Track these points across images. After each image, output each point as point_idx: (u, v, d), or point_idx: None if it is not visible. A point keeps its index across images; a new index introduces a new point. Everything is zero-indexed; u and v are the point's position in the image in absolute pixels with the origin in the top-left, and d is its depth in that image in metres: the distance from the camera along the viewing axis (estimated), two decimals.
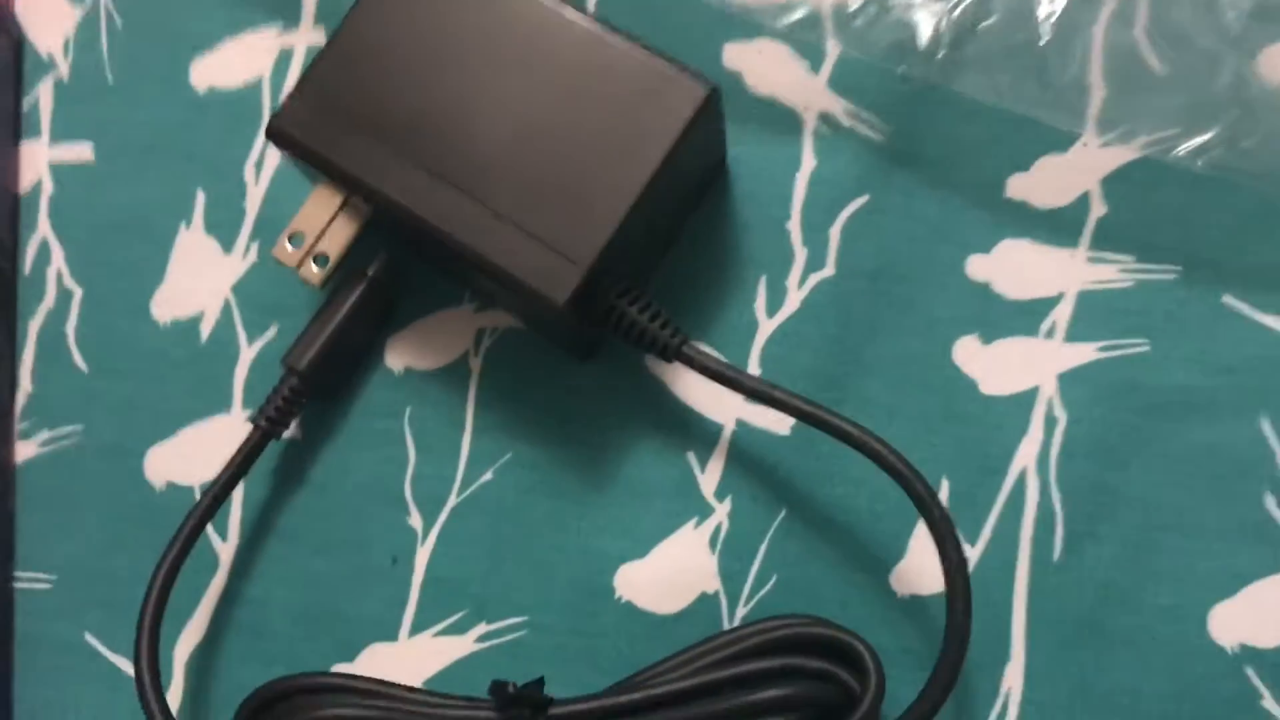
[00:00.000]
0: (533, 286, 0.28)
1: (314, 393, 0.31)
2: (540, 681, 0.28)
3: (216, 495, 0.30)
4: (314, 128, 0.29)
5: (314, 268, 0.31)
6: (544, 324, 0.31)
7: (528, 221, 0.28)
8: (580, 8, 0.29)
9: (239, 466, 0.31)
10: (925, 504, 0.27)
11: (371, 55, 0.29)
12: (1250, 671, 0.29)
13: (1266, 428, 0.30)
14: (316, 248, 0.30)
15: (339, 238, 0.31)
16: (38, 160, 0.35)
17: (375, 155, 0.29)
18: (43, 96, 0.35)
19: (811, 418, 0.28)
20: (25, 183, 0.35)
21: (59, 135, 0.35)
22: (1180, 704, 0.29)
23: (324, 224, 0.30)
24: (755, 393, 0.28)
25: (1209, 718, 0.29)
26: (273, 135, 0.29)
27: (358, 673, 0.30)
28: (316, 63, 0.30)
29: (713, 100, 0.28)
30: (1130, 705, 0.29)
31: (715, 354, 0.31)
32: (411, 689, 0.29)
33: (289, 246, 0.30)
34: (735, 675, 0.28)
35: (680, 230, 0.32)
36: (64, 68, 0.36)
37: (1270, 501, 0.29)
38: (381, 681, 0.29)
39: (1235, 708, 0.29)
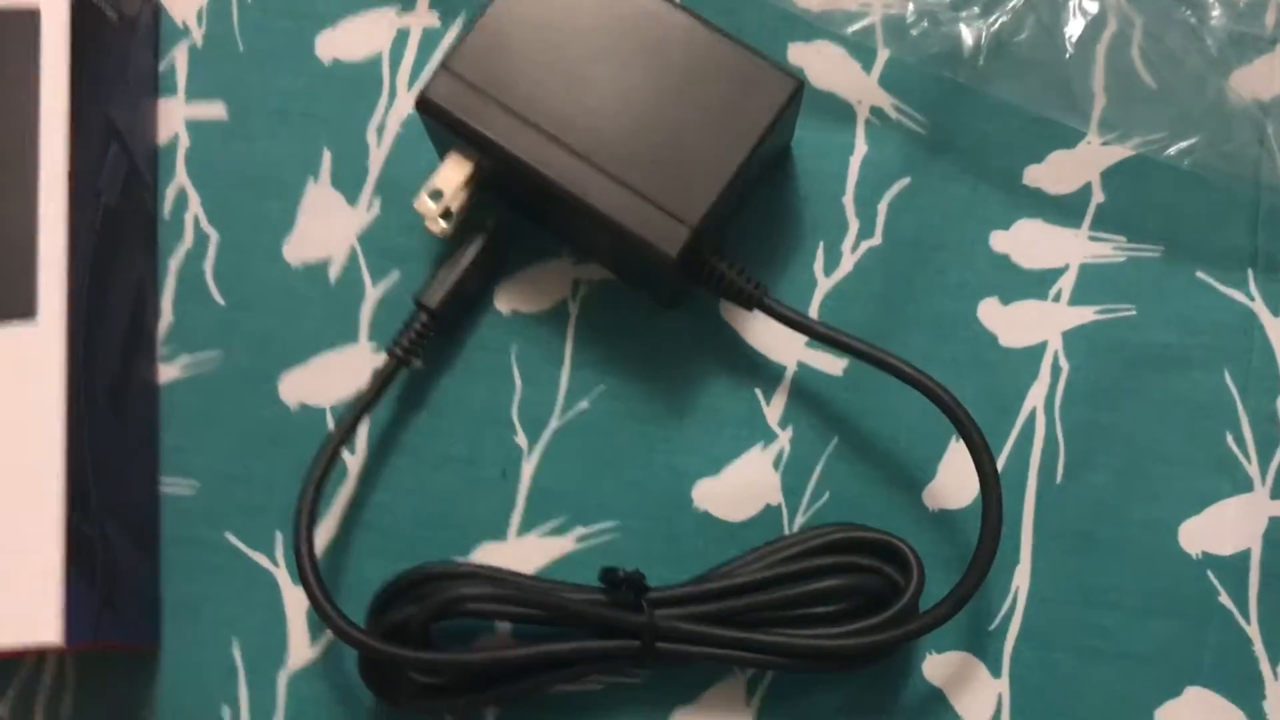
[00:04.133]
0: (649, 241, 0.33)
1: (439, 328, 0.36)
2: (639, 571, 0.34)
3: (357, 415, 0.35)
4: (458, 101, 0.34)
5: (442, 222, 0.36)
6: (637, 275, 0.37)
7: (642, 186, 0.33)
8: (684, 8, 0.35)
9: (376, 391, 0.36)
10: (966, 428, 0.33)
11: (508, 42, 0.34)
12: (1210, 574, 0.36)
13: (1228, 379, 0.37)
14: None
15: (465, 196, 0.36)
16: (173, 116, 0.39)
17: (511, 126, 0.34)
18: (179, 59, 0.40)
19: (874, 359, 0.34)
20: (163, 135, 0.39)
21: (194, 94, 0.39)
22: (1155, 599, 0.36)
23: (458, 184, 0.35)
24: (825, 337, 0.34)
25: (1177, 610, 0.35)
26: (422, 105, 0.34)
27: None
28: (458, 47, 0.34)
29: (799, 92, 0.34)
30: (1116, 600, 0.36)
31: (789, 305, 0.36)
32: (529, 576, 0.35)
33: (430, 202, 0.35)
34: (801, 569, 0.34)
35: (751, 198, 0.38)
36: (198, 35, 0.40)
37: (1230, 439, 0.36)
38: (503, 570, 0.35)
39: (1198, 603, 0.35)
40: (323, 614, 0.33)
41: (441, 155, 0.36)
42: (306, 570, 0.34)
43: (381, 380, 0.36)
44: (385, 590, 0.34)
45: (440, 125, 0.35)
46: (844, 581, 0.34)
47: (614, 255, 0.36)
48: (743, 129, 0.34)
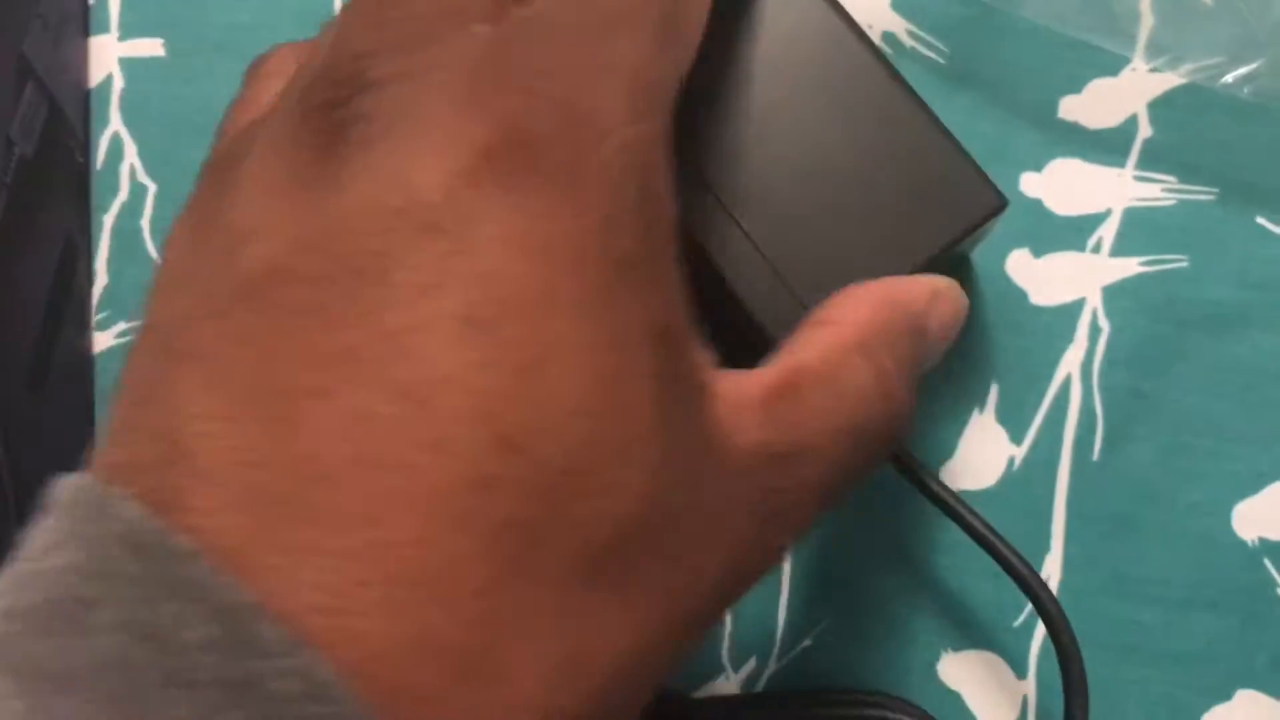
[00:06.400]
0: (774, 337, 0.25)
1: None
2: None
3: None
4: None
5: None
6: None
7: (784, 267, 0.26)
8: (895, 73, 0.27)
9: None
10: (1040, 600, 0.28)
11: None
12: (1267, 562, 0.31)
13: None
14: None
15: None
16: (107, 55, 0.36)
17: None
18: None
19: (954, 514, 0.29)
20: (95, 77, 0.35)
21: (129, 32, 0.36)
22: (1204, 591, 0.31)
23: None
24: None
25: (1229, 604, 0.31)
26: None
27: None
28: None
29: (1000, 212, 0.27)
30: (1159, 593, 0.31)
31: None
32: None
33: None
34: None
35: None
36: None
37: None
38: None
39: (1253, 595, 0.31)
40: None
41: None
42: None
43: None
44: None
45: None
46: None
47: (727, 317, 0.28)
48: (922, 237, 0.26)
